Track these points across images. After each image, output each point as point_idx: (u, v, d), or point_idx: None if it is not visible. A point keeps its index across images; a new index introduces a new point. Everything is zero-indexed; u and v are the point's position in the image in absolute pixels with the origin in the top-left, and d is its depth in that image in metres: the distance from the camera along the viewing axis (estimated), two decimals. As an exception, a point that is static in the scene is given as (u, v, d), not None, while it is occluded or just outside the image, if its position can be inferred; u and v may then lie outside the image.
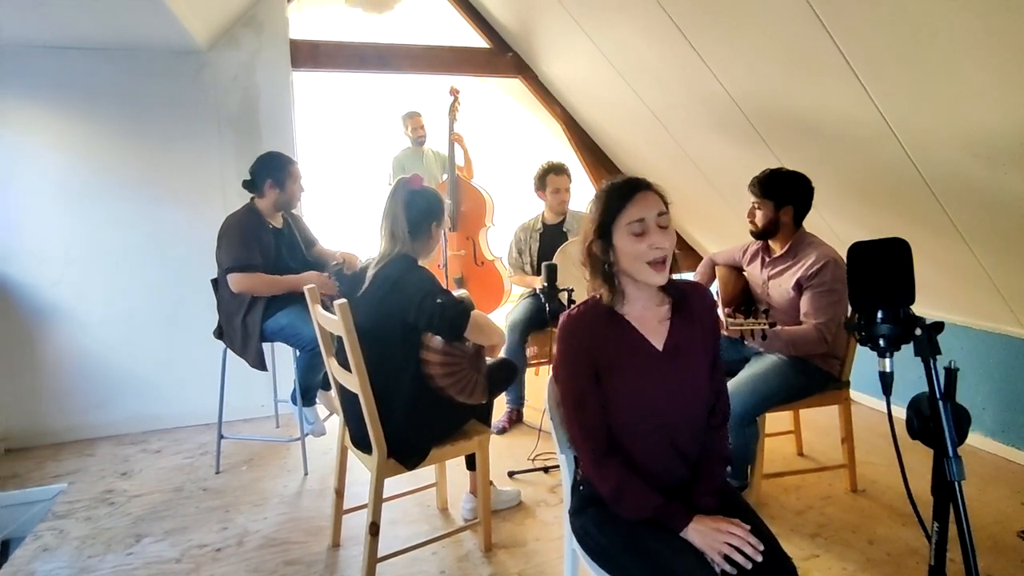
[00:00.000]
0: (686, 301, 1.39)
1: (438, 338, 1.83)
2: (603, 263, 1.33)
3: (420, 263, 1.94)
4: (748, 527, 1.21)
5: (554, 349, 3.29)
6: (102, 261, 3.14)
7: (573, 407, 1.35)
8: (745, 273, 2.56)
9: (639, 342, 1.34)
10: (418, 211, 1.92)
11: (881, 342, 0.92)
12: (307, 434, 2.78)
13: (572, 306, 1.40)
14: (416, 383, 1.86)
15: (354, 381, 1.80)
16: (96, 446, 3.10)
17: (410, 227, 1.90)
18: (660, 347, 1.34)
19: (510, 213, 4.27)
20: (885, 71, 1.97)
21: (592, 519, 1.37)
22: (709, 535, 1.20)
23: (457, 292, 1.91)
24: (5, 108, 2.94)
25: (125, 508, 2.50)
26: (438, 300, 1.77)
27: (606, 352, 1.32)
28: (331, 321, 1.85)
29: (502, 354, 2.43)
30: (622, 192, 1.32)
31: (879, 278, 0.93)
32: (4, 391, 3.07)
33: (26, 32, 2.75)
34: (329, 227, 4.47)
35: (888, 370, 0.94)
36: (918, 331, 0.88)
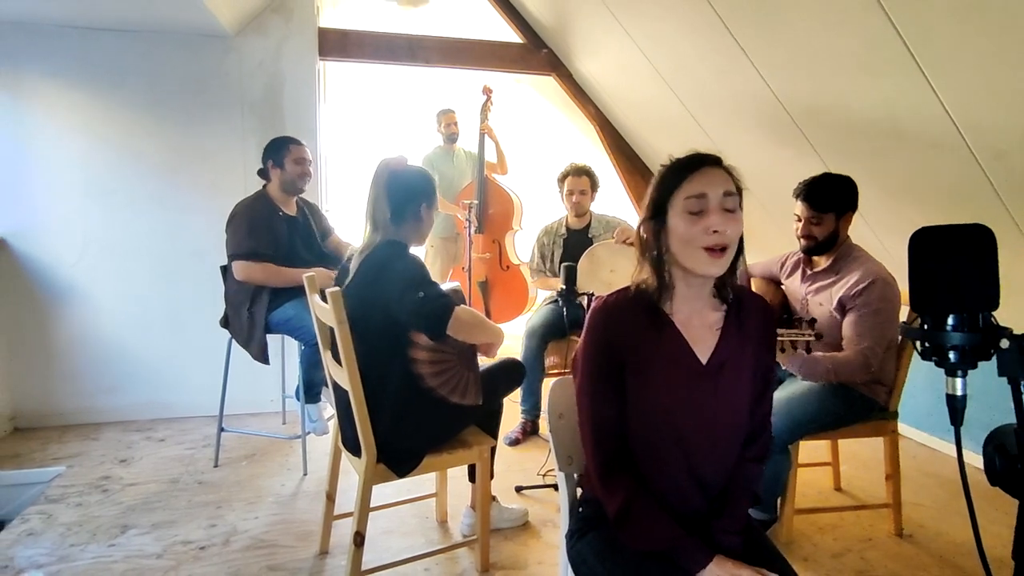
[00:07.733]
0: (742, 311, 1.18)
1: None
2: (652, 248, 1.14)
3: (411, 249, 1.80)
4: (776, 577, 1.01)
5: (571, 358, 3.13)
6: (120, 244, 3.11)
7: (588, 405, 1.16)
8: (783, 286, 2.34)
9: (681, 351, 1.13)
10: (401, 194, 1.77)
11: (952, 355, 0.71)
12: (308, 432, 2.67)
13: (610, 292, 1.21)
14: (405, 382, 1.71)
15: (344, 376, 1.67)
16: (102, 430, 3.06)
17: (393, 212, 1.75)
18: (704, 360, 1.13)
19: (539, 217, 4.11)
20: (955, 67, 1.75)
21: (591, 546, 1.19)
22: (730, 582, 1.01)
23: (446, 285, 1.74)
24: (27, 87, 2.94)
25: (118, 496, 2.42)
26: (420, 293, 1.60)
27: (638, 354, 1.12)
28: (324, 311, 1.72)
29: (519, 359, 2.26)
30: (683, 165, 1.11)
31: (952, 273, 0.72)
32: (17, 370, 3.05)
33: (48, 10, 2.74)
34: (356, 223, 4.39)
35: (959, 393, 0.73)
36: (1004, 343, 0.68)
